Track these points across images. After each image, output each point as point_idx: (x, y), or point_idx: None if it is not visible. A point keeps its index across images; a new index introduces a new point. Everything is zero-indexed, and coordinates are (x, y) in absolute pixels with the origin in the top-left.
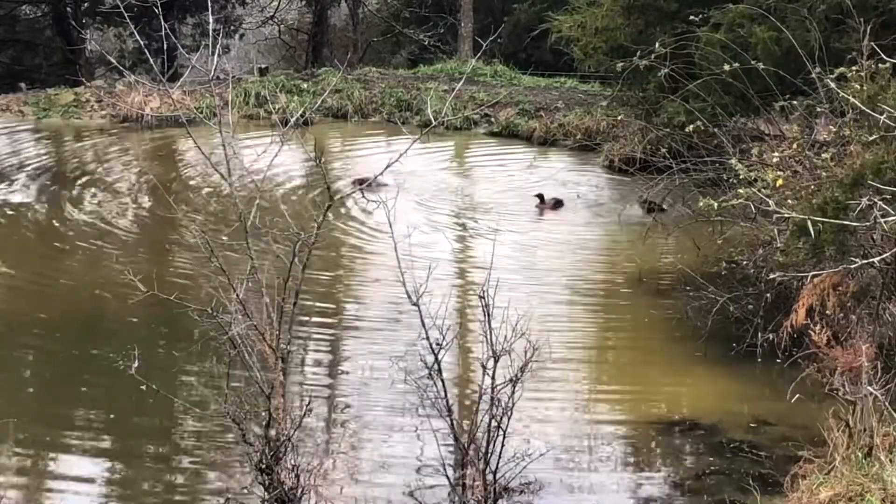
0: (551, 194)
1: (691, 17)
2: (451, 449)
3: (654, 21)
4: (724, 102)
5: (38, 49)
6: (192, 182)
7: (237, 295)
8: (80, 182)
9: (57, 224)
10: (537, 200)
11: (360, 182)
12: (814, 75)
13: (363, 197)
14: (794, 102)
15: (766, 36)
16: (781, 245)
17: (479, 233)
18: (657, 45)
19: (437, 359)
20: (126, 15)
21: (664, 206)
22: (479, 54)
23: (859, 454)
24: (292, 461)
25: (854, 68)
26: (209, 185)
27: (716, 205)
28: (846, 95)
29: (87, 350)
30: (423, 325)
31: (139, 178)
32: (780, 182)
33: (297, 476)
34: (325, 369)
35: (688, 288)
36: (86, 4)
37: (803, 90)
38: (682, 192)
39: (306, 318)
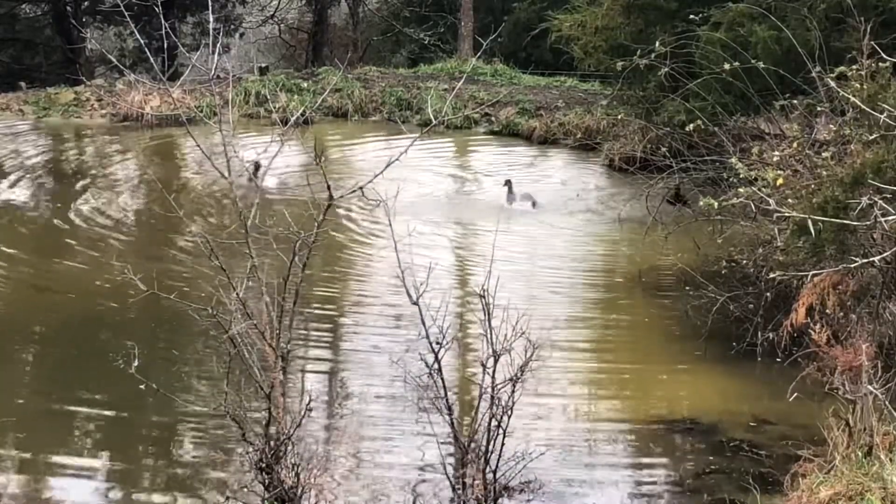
0: (551, 192)
1: (691, 16)
2: (452, 448)
3: (654, 20)
4: (725, 101)
5: (38, 48)
6: (192, 181)
7: (237, 294)
8: (80, 181)
9: (57, 223)
10: (506, 190)
11: (256, 166)
12: (814, 74)
13: (363, 196)
14: (795, 101)
15: (766, 35)
16: (781, 244)
17: (480, 232)
18: (657, 44)
19: (437, 358)
20: (126, 14)
21: (688, 199)
22: (479, 53)
23: (859, 453)
24: (292, 460)
25: (854, 67)
26: (209, 184)
27: (716, 204)
28: (846, 94)
29: (86, 349)
30: (423, 323)
31: (139, 177)
32: (780, 181)
33: (298, 475)
34: (325, 369)
35: (688, 287)
36: (86, 3)
37: (803, 89)
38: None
39: (306, 317)
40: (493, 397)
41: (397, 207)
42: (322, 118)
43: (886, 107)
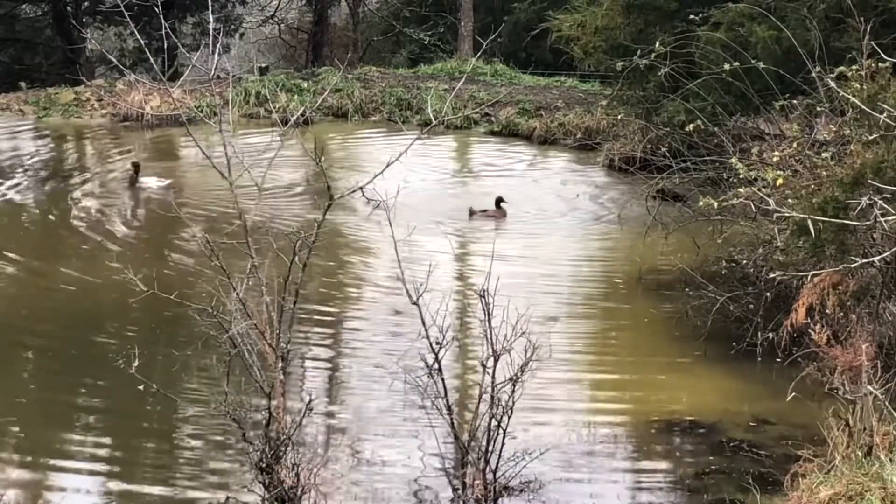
0: (550, 192)
1: (691, 17)
2: (452, 448)
3: (654, 20)
4: (725, 101)
5: (38, 48)
6: (197, 180)
7: (237, 294)
8: (80, 181)
9: (57, 223)
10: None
11: (135, 167)
12: (814, 74)
13: (363, 196)
14: (795, 101)
15: (766, 35)
16: (781, 244)
17: (480, 232)
18: (657, 44)
19: (437, 358)
20: (126, 14)
21: (677, 192)
22: (479, 53)
23: (859, 453)
24: (292, 460)
25: (854, 67)
26: (210, 184)
27: (716, 204)
28: (846, 94)
29: (87, 349)
30: (424, 324)
31: (140, 177)
32: (780, 181)
33: (298, 475)
34: (325, 369)
35: (688, 287)
36: (86, 3)
37: (803, 89)
38: (683, 191)
39: (306, 318)
40: (493, 397)
41: (397, 207)
42: (322, 118)
43: (886, 107)
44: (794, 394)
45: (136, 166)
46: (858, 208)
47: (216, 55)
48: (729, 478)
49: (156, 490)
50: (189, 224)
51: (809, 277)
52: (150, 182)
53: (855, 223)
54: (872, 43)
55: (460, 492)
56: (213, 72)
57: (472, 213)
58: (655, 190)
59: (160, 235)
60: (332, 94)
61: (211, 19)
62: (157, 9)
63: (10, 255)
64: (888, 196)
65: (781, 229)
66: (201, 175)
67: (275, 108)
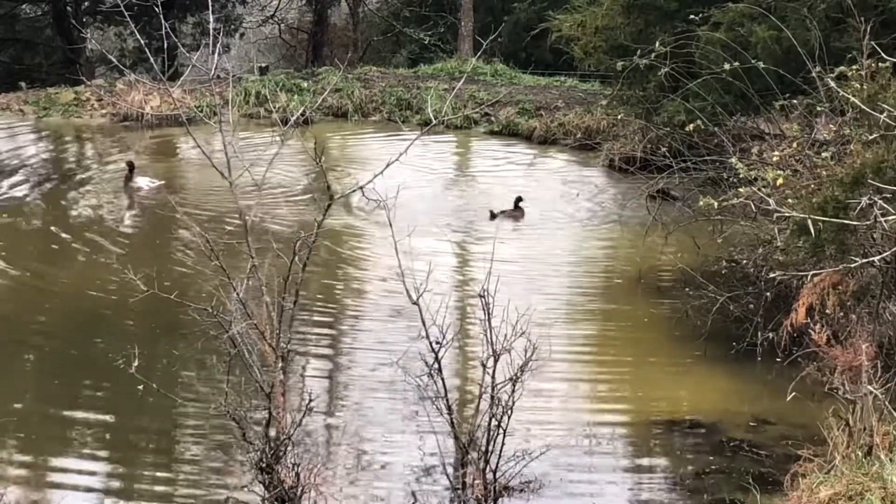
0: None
1: (691, 16)
2: (452, 448)
3: (654, 20)
4: (725, 101)
5: (38, 48)
6: (192, 181)
7: (237, 294)
8: (80, 181)
9: (57, 223)
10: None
11: (130, 166)
12: (814, 74)
13: (363, 195)
14: (795, 101)
15: (766, 35)
16: (781, 244)
17: (480, 232)
18: (657, 44)
19: (437, 358)
20: (126, 14)
21: (674, 194)
22: (479, 53)
23: (859, 453)
24: (292, 460)
25: (854, 67)
26: (210, 184)
27: (716, 204)
28: (846, 94)
29: (86, 350)
30: (424, 323)
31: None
32: (780, 181)
33: (298, 475)
34: (324, 369)
35: (688, 287)
36: (86, 3)
37: (803, 89)
38: (683, 191)
39: (306, 318)
40: (493, 397)
41: (396, 207)
42: (322, 118)
43: (886, 107)
44: (794, 394)
45: (130, 166)
46: (858, 208)
47: (216, 55)
48: (729, 478)
49: (156, 489)
50: (184, 224)
51: (809, 277)
52: (143, 182)
53: (855, 223)
54: (872, 43)
55: (460, 492)
56: (213, 72)
57: (493, 215)
58: (654, 190)
59: (155, 236)
60: (332, 94)
61: (211, 19)
62: (157, 9)
63: (9, 255)
64: (888, 196)
65: (781, 229)
66: (198, 175)
67: (275, 108)
